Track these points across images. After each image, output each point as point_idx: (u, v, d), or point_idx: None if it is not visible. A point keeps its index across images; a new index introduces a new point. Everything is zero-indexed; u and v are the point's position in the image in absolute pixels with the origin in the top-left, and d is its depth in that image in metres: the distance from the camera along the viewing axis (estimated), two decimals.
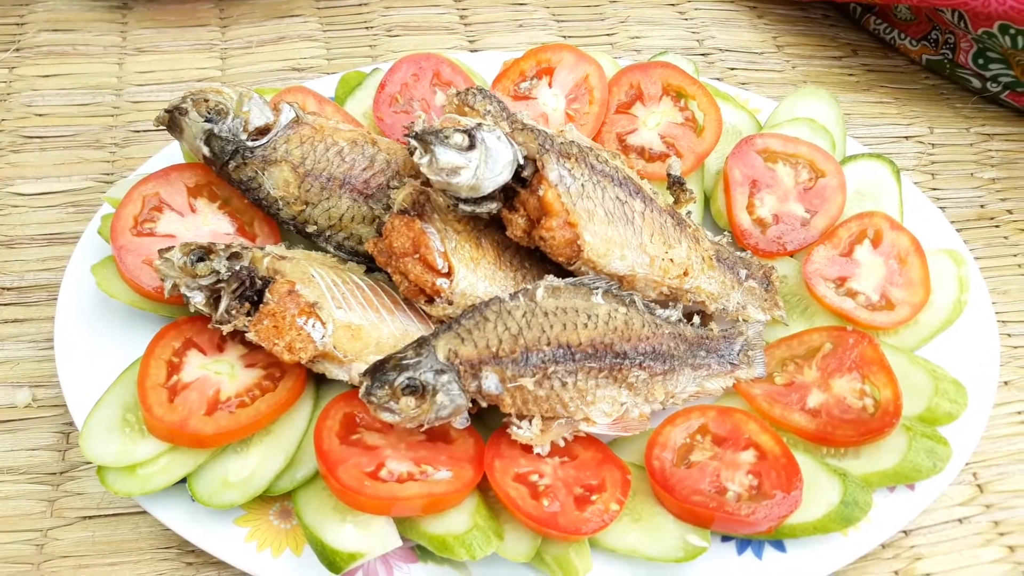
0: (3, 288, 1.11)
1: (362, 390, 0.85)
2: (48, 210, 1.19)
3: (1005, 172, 1.35)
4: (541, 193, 0.92)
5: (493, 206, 0.93)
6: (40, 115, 1.30)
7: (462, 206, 0.92)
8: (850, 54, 1.51)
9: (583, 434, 0.92)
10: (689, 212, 1.05)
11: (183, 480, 0.87)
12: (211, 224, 1.03)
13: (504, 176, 0.91)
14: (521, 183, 0.94)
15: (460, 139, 0.89)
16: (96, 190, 1.22)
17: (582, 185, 0.95)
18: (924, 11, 1.39)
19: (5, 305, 1.10)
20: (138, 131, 1.29)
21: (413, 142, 0.89)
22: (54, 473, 0.96)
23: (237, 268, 0.92)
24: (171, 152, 1.13)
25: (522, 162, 0.93)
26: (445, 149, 0.89)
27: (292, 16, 1.48)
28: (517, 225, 0.94)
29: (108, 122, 1.30)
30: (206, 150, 1.00)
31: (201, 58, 1.40)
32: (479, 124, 0.92)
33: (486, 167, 0.90)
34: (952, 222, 1.15)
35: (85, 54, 1.39)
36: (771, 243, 1.10)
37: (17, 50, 1.38)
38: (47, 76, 1.35)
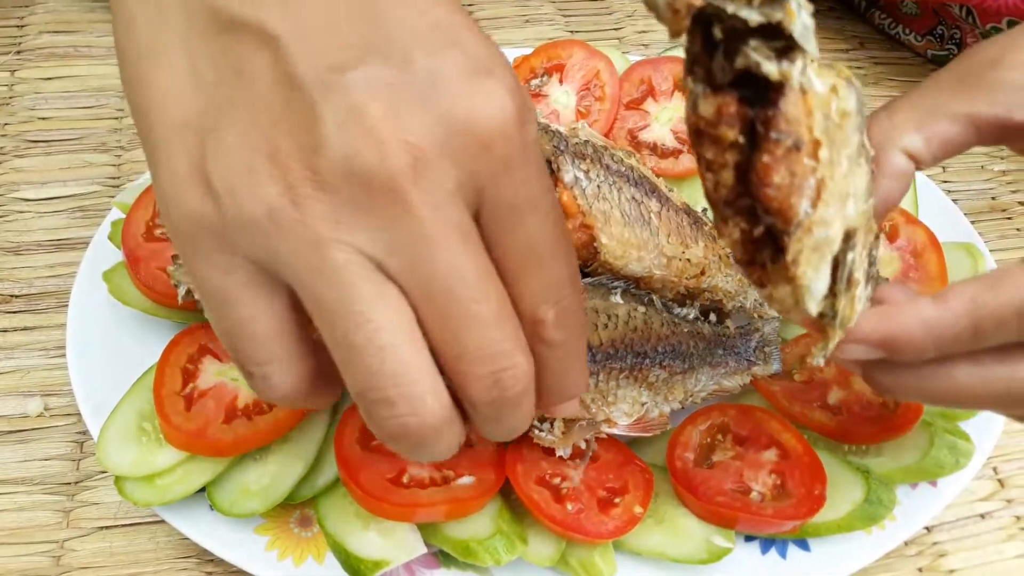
0: (11, 296, 1.10)
1: None
2: (55, 215, 1.18)
3: (1016, 164, 1.34)
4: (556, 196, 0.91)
5: None
6: (43, 119, 1.29)
7: None
8: (857, 46, 1.51)
9: (604, 436, 0.91)
10: (705, 210, 1.04)
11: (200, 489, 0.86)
12: None
13: None
14: None
15: None
16: (103, 194, 1.20)
17: (598, 186, 0.94)
18: (931, 5, 1.38)
19: (14, 312, 1.08)
20: None
21: None
22: (69, 483, 0.95)
23: None
24: None
25: None
26: None
27: None
28: None
29: (113, 124, 1.29)
30: None
31: None
32: None
33: None
34: (964, 215, 1.15)
35: (87, 56, 1.37)
36: None
37: (18, 53, 1.36)
38: (49, 79, 1.33)
